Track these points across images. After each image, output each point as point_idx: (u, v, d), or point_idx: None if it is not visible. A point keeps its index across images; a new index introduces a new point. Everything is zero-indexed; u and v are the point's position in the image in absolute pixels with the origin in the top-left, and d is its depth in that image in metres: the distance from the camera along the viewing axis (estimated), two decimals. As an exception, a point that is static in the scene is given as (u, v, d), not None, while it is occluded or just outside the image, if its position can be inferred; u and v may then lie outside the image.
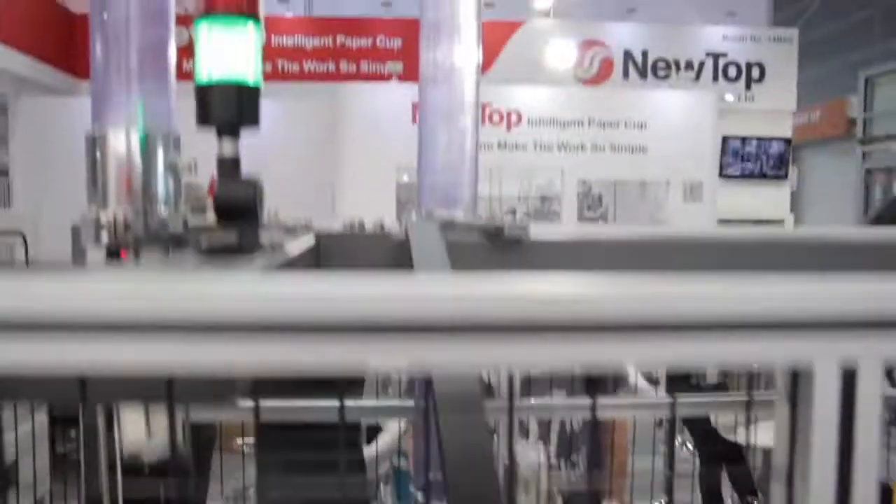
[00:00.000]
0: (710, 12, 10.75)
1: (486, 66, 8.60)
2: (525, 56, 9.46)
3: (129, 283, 0.46)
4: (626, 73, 9.96)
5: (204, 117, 0.75)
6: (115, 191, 1.01)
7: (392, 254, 1.18)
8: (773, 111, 10.08)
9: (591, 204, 10.06)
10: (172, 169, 1.03)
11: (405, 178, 7.27)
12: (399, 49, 9.35)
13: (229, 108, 0.74)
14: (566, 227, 1.58)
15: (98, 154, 1.01)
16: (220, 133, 0.75)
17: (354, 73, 9.39)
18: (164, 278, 0.47)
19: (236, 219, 0.77)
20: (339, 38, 9.58)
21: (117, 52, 1.04)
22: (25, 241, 4.53)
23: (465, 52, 1.46)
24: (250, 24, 0.74)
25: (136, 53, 1.02)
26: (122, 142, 1.00)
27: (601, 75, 9.88)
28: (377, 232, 1.20)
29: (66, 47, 8.70)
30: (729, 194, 9.14)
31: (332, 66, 9.50)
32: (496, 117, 7.10)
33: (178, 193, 1.07)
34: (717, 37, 10.02)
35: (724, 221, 9.26)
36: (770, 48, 10.10)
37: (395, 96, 7.16)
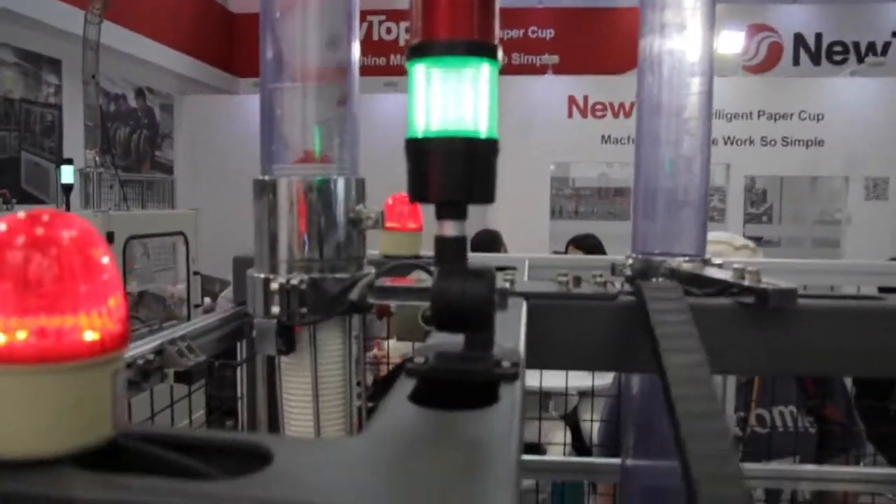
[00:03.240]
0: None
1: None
2: (686, 43, 8.88)
3: None
4: (796, 60, 9.22)
5: (419, 190, 0.54)
6: (286, 251, 0.82)
7: (620, 322, 0.94)
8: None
9: (755, 200, 9.42)
10: (355, 222, 0.83)
11: (552, 168, 6.97)
12: (552, 39, 9.04)
13: (454, 176, 0.53)
14: (845, 297, 1.32)
15: (266, 205, 0.81)
16: (441, 213, 0.54)
17: (506, 65, 9.13)
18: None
19: (462, 329, 0.55)
20: (490, 30, 9.33)
21: (291, 68, 0.85)
22: (187, 242, 4.59)
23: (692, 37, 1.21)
24: (485, 65, 0.52)
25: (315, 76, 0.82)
26: (294, 191, 0.81)
27: (769, 62, 9.19)
28: (599, 293, 0.96)
29: (226, 46, 8.95)
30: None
31: (482, 59, 9.27)
32: (656, 110, 6.67)
33: (361, 252, 0.87)
34: (905, 14, 9.09)
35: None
36: (971, 23, 9.04)
37: (549, 90, 6.88)
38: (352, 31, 0.90)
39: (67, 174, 4.35)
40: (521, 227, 6.17)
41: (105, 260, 0.38)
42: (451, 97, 0.53)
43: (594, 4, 9.28)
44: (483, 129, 0.54)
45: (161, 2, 7.40)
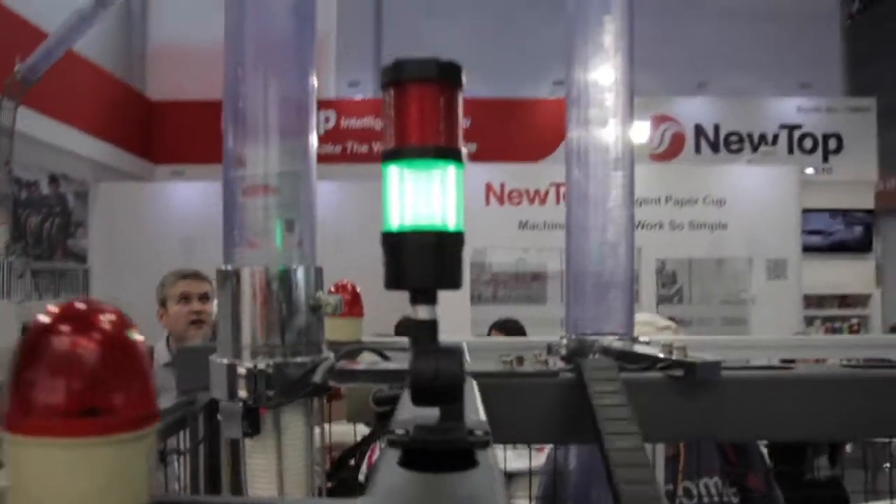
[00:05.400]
0: (783, 85, 10.53)
1: (554, 146, 8.54)
2: (595, 133, 9.31)
3: None
4: (697, 148, 9.78)
5: (395, 278, 0.60)
6: (250, 337, 0.86)
7: (562, 397, 1.01)
8: (854, 182, 9.75)
9: (666, 282, 9.77)
10: (315, 309, 0.88)
11: (469, 253, 7.11)
12: (469, 128, 9.35)
13: (426, 265, 0.59)
14: (761, 368, 1.44)
15: (229, 293, 0.86)
16: (415, 299, 0.60)
17: (423, 153, 9.34)
18: None
19: (438, 402, 0.61)
20: (408, 119, 9.57)
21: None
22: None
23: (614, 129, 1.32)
24: (451, 167, 0.59)
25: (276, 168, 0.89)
26: (257, 280, 0.86)
27: (672, 151, 9.71)
28: (542, 371, 1.03)
29: (143, 133, 8.91)
30: (812, 269, 8.76)
31: (400, 147, 9.48)
32: (571, 197, 6.93)
33: (320, 335, 0.92)
34: (790, 109, 9.80)
35: (807, 297, 8.89)
36: (847, 118, 9.81)
37: (468, 177, 7.01)
38: (309, 123, 0.97)
39: (-22, 264, 4.22)
40: (443, 313, 6.22)
41: (139, 343, 0.43)
42: (422, 196, 0.60)
43: (510, 96, 9.68)
44: (451, 223, 0.61)
45: (78, 87, 7.35)
